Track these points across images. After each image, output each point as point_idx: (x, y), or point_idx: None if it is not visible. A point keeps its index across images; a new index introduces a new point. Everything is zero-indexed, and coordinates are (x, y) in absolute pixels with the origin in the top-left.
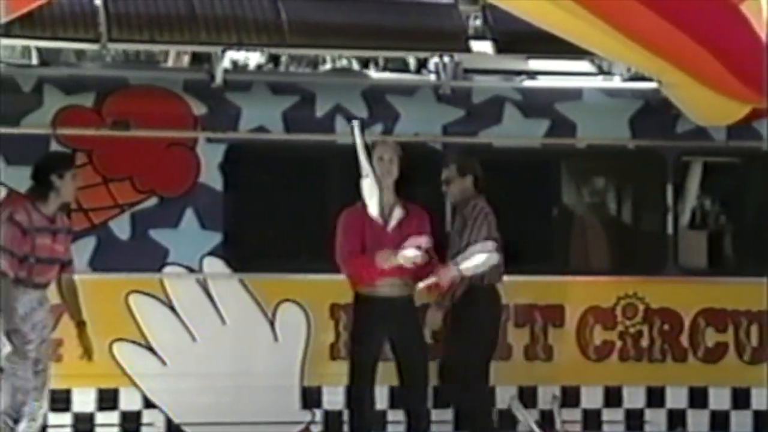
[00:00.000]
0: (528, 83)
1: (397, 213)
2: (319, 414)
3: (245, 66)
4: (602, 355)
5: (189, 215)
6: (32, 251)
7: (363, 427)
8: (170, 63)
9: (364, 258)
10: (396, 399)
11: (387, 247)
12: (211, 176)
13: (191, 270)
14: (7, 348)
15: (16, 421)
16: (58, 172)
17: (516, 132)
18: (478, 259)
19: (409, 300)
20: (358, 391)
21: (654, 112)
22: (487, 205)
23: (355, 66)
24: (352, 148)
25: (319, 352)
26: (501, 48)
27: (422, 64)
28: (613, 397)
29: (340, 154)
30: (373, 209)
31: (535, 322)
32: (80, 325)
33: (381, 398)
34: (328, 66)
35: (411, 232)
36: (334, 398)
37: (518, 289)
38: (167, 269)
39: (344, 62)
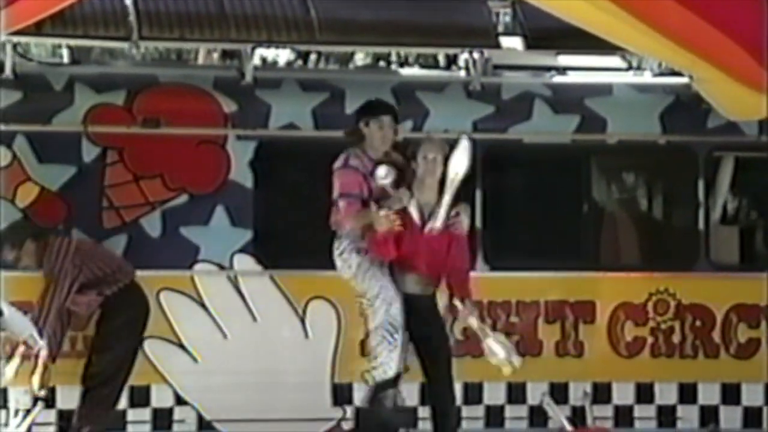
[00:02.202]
0: (558, 79)
1: (439, 215)
2: (350, 410)
3: (275, 63)
4: (633, 352)
5: (219, 212)
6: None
7: (388, 423)
8: (200, 60)
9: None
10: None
11: (423, 250)
12: (242, 173)
13: (222, 267)
14: None
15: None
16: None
17: (546, 128)
18: None
19: (431, 297)
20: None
21: (685, 107)
22: None
23: (383, 63)
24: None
25: (349, 349)
26: (531, 44)
27: (452, 61)
28: (644, 394)
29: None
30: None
31: (566, 318)
32: None
33: (411, 395)
34: (359, 62)
35: (446, 240)
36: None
37: (549, 285)
38: (198, 266)
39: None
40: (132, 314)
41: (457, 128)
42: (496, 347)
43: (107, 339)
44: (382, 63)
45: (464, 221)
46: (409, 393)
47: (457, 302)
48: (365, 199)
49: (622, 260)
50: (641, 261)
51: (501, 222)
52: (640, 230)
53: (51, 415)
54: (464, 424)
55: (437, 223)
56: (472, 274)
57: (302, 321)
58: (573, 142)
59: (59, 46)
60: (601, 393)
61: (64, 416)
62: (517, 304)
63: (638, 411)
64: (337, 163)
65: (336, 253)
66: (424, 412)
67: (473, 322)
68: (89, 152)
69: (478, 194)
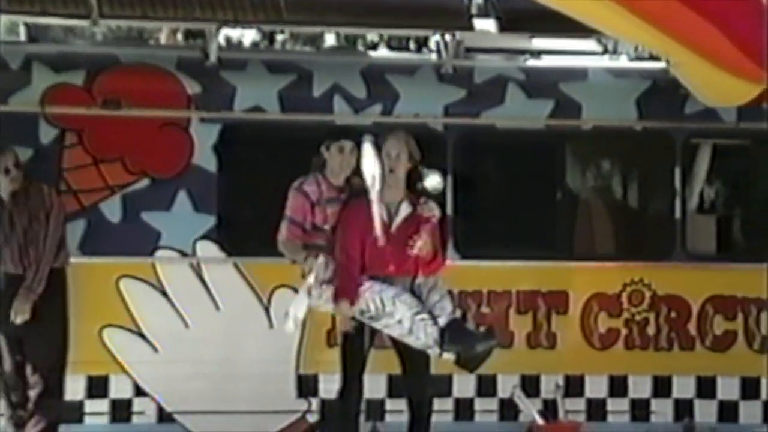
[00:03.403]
0: (532, 63)
1: (403, 210)
2: (315, 403)
3: (240, 43)
4: (607, 344)
5: (182, 197)
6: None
7: (352, 416)
8: (163, 40)
9: (352, 278)
10: (396, 387)
11: (389, 248)
12: (205, 157)
13: (184, 254)
14: None
15: None
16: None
17: (519, 113)
18: None
19: (409, 284)
20: (349, 381)
21: (662, 93)
22: None
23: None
24: (351, 129)
25: (315, 339)
26: (504, 26)
27: (423, 43)
28: (618, 387)
29: (339, 134)
30: (377, 224)
31: (538, 308)
32: None
33: (378, 387)
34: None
35: (413, 231)
36: (331, 386)
37: (521, 274)
38: (159, 253)
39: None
40: (65, 298)
41: (427, 112)
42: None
43: (52, 321)
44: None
45: (433, 208)
46: (377, 385)
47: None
48: (306, 229)
49: (597, 249)
50: (616, 250)
51: (472, 209)
52: (615, 219)
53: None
54: (433, 417)
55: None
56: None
57: (267, 310)
58: (547, 128)
59: (16, 24)
60: (573, 386)
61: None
62: (489, 294)
63: (611, 404)
64: (295, 183)
65: (303, 293)
66: (392, 404)
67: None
68: (47, 134)
69: (449, 181)
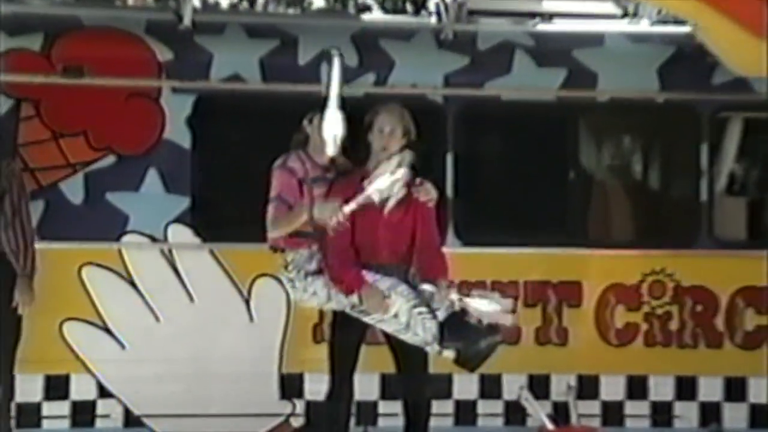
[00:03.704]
0: (542, 27)
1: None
2: (300, 405)
3: (217, 5)
4: (625, 340)
5: (152, 176)
6: None
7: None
8: (131, 1)
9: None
10: (390, 388)
11: (382, 233)
12: (178, 132)
13: (154, 239)
14: None
15: None
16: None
17: (528, 83)
18: None
19: (404, 274)
20: (338, 381)
21: (686, 61)
22: None
23: None
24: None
25: (300, 335)
26: None
27: (421, 5)
28: (637, 388)
29: (324, 106)
30: (330, 149)
31: (548, 301)
32: None
33: (370, 388)
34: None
35: (408, 216)
36: (317, 387)
37: (529, 263)
38: (126, 238)
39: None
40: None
41: (426, 82)
42: (482, 306)
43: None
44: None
45: (430, 190)
46: (370, 386)
47: (426, 286)
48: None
49: (613, 235)
50: (635, 236)
51: (475, 191)
52: (634, 201)
53: None
54: (431, 421)
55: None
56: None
57: (247, 302)
58: (559, 100)
59: None
60: (587, 387)
61: None
62: (493, 285)
63: (630, 408)
64: (277, 162)
65: (289, 287)
66: (385, 407)
67: (453, 298)
68: (0, 104)
69: (449, 159)
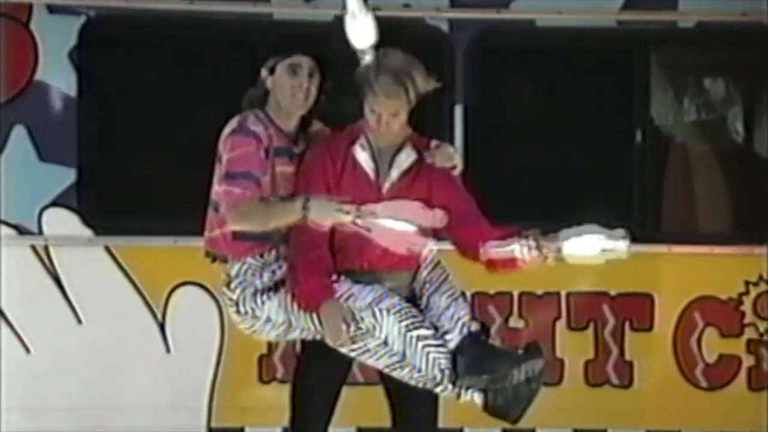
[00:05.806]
0: None
1: (404, 159)
2: None
3: None
4: (720, 381)
5: (18, 137)
6: None
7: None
8: None
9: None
10: None
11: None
12: (57, 71)
13: (22, 231)
14: None
15: None
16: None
17: (575, 2)
18: None
19: (404, 290)
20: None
21: None
22: None
23: None
24: (306, 32)
25: (241, 371)
26: None
27: None
28: None
29: (289, 44)
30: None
31: (604, 322)
32: None
33: None
34: None
35: (418, 193)
36: None
37: (574, 267)
38: None
39: None
40: None
41: (425, 1)
42: (582, 245)
43: None
44: None
45: (452, 155)
46: None
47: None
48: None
49: (700, 228)
50: (732, 230)
51: (495, 158)
52: (729, 178)
53: None
54: None
55: (394, 173)
56: (445, 246)
57: (161, 325)
58: (620, 26)
59: None
60: None
61: None
62: (521, 298)
63: None
64: (228, 128)
65: (233, 313)
66: None
67: (548, 254)
68: None
69: (458, 112)
